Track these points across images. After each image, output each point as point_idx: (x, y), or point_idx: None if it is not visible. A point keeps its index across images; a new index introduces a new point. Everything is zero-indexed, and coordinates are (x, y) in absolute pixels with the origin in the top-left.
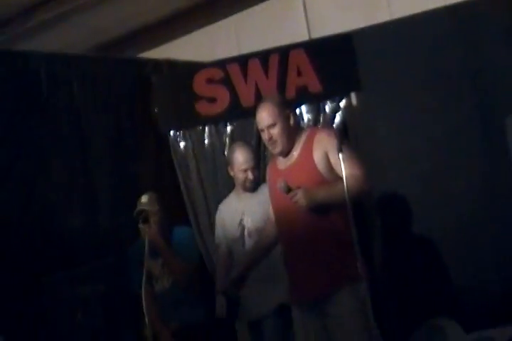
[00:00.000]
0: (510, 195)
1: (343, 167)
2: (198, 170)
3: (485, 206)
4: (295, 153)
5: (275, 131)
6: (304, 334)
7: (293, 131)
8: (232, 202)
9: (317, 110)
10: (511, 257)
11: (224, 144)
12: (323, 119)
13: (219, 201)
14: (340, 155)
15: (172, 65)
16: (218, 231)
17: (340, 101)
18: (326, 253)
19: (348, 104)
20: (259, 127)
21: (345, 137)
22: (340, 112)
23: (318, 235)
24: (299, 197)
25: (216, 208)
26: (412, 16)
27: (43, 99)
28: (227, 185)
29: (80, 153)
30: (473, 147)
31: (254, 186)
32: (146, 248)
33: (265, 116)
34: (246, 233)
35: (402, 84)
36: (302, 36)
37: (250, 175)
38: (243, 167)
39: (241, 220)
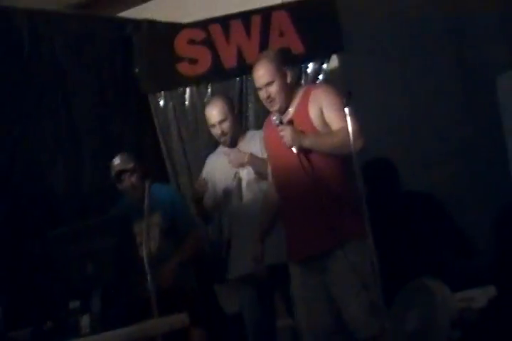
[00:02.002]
0: (495, 156)
1: (339, 121)
2: (179, 131)
3: (468, 160)
4: (291, 109)
5: (273, 89)
6: (302, 291)
7: (290, 87)
8: (221, 157)
9: (299, 71)
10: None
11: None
12: (305, 81)
13: (200, 162)
14: (346, 109)
15: (152, 25)
16: None
17: (322, 63)
18: (326, 208)
19: (330, 66)
20: (257, 85)
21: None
22: (322, 74)
23: (317, 189)
24: (287, 132)
25: (197, 170)
26: None
27: (25, 57)
28: (208, 146)
29: (63, 111)
30: (456, 105)
31: (227, 140)
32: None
33: (262, 74)
34: (244, 185)
35: (384, 46)
36: None
37: (217, 130)
38: (210, 122)
39: (236, 173)
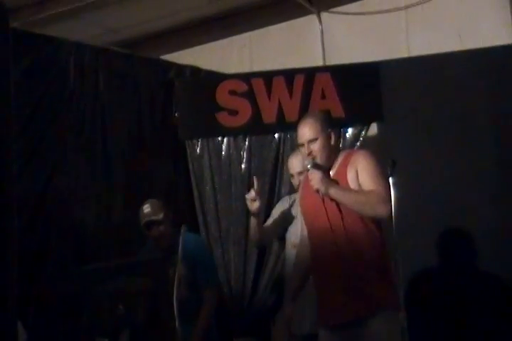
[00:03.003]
0: None
1: (370, 183)
2: (213, 181)
3: (504, 243)
4: (331, 172)
5: (315, 147)
6: None
7: (333, 150)
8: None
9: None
10: None
11: (241, 157)
12: (343, 145)
13: (231, 213)
14: (391, 179)
15: (195, 71)
16: None
17: (361, 129)
18: (359, 275)
19: (369, 133)
20: (300, 141)
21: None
22: (360, 140)
23: (350, 254)
24: (316, 175)
25: (227, 220)
26: (439, 55)
27: (69, 88)
28: (240, 198)
29: (100, 146)
30: (491, 187)
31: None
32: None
33: (307, 130)
34: (290, 245)
35: (424, 119)
36: (316, 61)
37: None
38: (291, 171)
39: None
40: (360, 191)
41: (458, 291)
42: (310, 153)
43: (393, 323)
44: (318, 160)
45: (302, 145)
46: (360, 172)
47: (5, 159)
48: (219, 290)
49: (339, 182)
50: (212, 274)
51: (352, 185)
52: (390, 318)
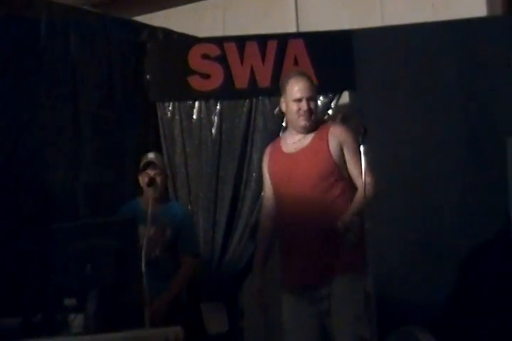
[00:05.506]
0: (500, 207)
1: (359, 171)
2: (183, 144)
3: (469, 217)
4: (309, 137)
5: (313, 105)
6: (295, 318)
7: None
8: None
9: None
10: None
11: (212, 122)
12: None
13: (200, 177)
14: (362, 147)
15: (168, 34)
16: None
17: (333, 98)
18: (329, 239)
19: (341, 102)
20: (297, 96)
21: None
22: (332, 109)
23: (324, 221)
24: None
25: (196, 185)
26: (415, 25)
27: (40, 47)
28: (210, 163)
29: (71, 107)
30: (463, 154)
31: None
32: (150, 213)
33: (308, 86)
34: None
35: (395, 88)
36: (290, 28)
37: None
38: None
39: None
40: (356, 198)
41: (426, 258)
42: (309, 109)
43: (357, 286)
44: (312, 118)
45: (299, 100)
46: (346, 151)
47: None
48: (199, 261)
49: (319, 147)
50: (195, 243)
51: (334, 153)
52: (354, 281)
